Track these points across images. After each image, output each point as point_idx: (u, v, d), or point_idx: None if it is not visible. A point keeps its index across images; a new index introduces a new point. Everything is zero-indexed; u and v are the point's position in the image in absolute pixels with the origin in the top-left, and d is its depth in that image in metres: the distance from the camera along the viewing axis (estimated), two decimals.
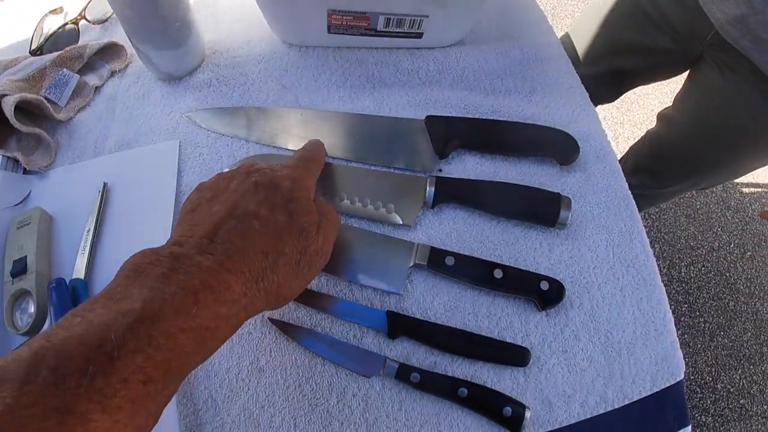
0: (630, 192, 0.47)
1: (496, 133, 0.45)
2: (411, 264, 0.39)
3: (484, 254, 0.41)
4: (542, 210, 0.41)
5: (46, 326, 0.41)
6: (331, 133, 0.46)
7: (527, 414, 0.35)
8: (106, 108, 0.54)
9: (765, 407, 1.37)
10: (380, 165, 0.45)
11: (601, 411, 0.38)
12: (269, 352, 0.38)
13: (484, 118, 0.47)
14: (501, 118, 0.47)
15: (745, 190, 1.60)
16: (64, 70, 0.54)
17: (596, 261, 0.42)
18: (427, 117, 0.46)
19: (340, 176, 0.44)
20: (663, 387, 0.39)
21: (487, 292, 0.40)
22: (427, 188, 0.41)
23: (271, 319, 0.39)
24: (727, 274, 1.47)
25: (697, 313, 1.42)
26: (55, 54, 0.55)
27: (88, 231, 0.45)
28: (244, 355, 0.38)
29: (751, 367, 1.40)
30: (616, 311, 0.41)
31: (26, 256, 0.43)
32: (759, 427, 1.34)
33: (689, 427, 0.40)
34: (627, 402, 0.38)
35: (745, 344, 1.41)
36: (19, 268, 0.42)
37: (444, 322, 0.39)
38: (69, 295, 0.40)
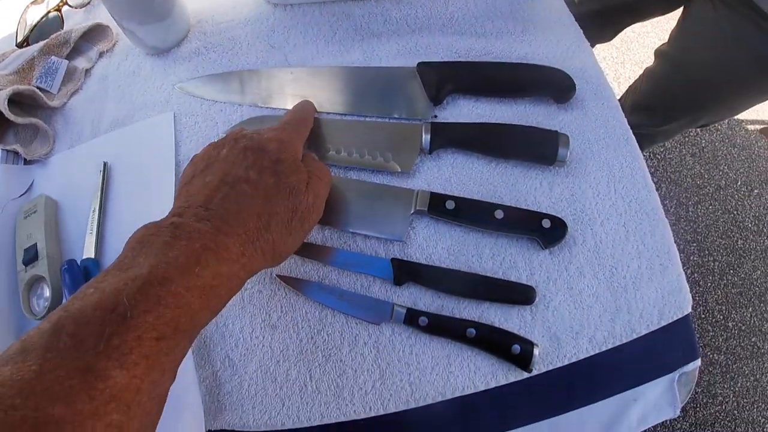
0: (629, 127, 0.46)
1: (489, 75, 0.44)
2: (412, 211, 0.39)
3: (484, 196, 0.41)
4: (540, 149, 0.41)
5: None
6: (323, 88, 0.46)
7: (536, 351, 0.36)
8: (98, 89, 0.54)
9: None
10: (375, 116, 0.45)
11: (610, 346, 0.38)
12: (280, 308, 0.39)
13: (476, 60, 0.46)
14: (493, 60, 0.46)
15: (750, 127, 1.57)
16: (53, 57, 0.54)
17: (598, 197, 0.42)
18: (419, 64, 0.45)
19: (337, 130, 0.44)
20: (671, 321, 0.39)
21: (490, 234, 0.40)
22: (423, 135, 0.41)
23: (279, 276, 0.40)
24: (735, 212, 1.46)
25: (706, 252, 1.42)
26: (42, 43, 0.55)
27: (94, 211, 0.46)
28: (257, 314, 0.39)
29: (762, 305, 1.41)
30: (620, 247, 0.41)
31: (36, 244, 0.44)
32: None
33: (698, 361, 0.40)
34: (635, 336, 0.39)
35: (755, 282, 1.42)
36: (30, 256, 0.43)
37: (448, 266, 0.39)
38: (81, 274, 0.42)
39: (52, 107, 0.53)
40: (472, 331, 0.36)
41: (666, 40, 0.76)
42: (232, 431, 0.37)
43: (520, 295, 0.38)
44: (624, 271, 0.40)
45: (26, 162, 0.51)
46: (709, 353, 1.36)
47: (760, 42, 0.59)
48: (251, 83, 0.48)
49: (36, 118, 0.51)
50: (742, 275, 1.42)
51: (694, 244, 1.42)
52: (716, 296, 1.40)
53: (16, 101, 0.51)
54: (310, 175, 0.34)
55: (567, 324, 0.39)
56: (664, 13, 0.76)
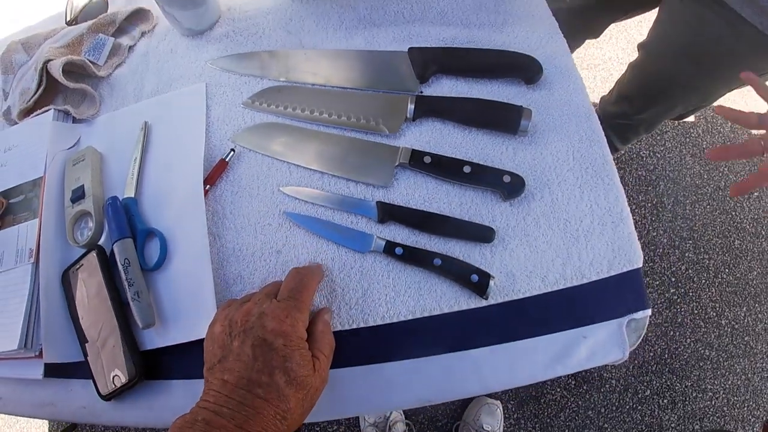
0: (592, 106, 0.53)
1: (469, 59, 0.52)
2: (396, 163, 0.48)
3: (457, 156, 0.49)
4: (505, 119, 0.49)
5: (102, 239, 0.51)
6: (330, 66, 0.55)
7: (492, 282, 0.43)
8: (140, 63, 0.63)
9: None
10: (371, 89, 0.54)
11: (561, 287, 0.45)
12: (285, 238, 0.48)
13: (457, 47, 0.54)
14: (474, 47, 0.54)
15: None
16: (100, 35, 0.64)
17: (557, 162, 0.49)
18: (410, 48, 0.53)
19: (340, 99, 0.53)
20: (620, 272, 0.45)
21: (459, 186, 0.48)
22: (409, 105, 0.50)
23: (287, 213, 0.49)
24: (733, 213, 1.48)
25: (702, 250, 1.45)
26: (90, 22, 0.64)
27: (135, 160, 0.54)
28: (266, 241, 0.48)
29: (757, 305, 1.42)
30: (575, 204, 0.47)
31: (83, 185, 0.52)
32: (763, 365, 1.38)
33: (648, 311, 0.45)
34: (585, 281, 0.45)
35: (750, 283, 1.43)
36: (78, 195, 0.52)
37: (423, 210, 0.47)
38: (122, 209, 0.50)
39: (99, 77, 0.62)
40: (438, 261, 0.44)
41: None
42: None
43: (480, 233, 0.45)
44: (577, 225, 0.47)
45: (75, 121, 0.60)
46: (700, 348, 1.37)
47: (723, 31, 0.63)
48: (271, 61, 0.57)
49: (85, 84, 0.61)
50: (738, 275, 1.44)
51: (690, 242, 1.45)
52: (710, 293, 1.42)
53: (67, 70, 0.60)
54: (316, 355, 0.38)
55: (522, 264, 0.46)
56: (646, 10, 0.83)
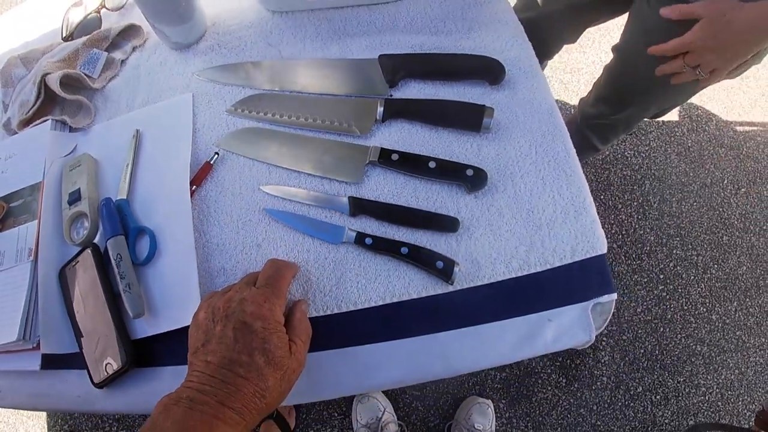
0: (555, 105, 0.55)
1: (435, 64, 0.56)
2: (367, 161, 0.51)
3: (424, 154, 0.52)
4: (468, 118, 0.52)
5: (97, 237, 0.54)
6: (306, 74, 0.59)
7: (456, 268, 0.47)
8: (132, 76, 0.67)
9: (763, 340, 1.40)
10: (344, 94, 0.57)
11: (524, 273, 0.48)
12: (264, 233, 0.52)
13: (425, 53, 0.58)
14: (440, 52, 0.58)
15: (739, 128, 1.61)
16: (94, 49, 0.68)
17: (519, 157, 0.52)
18: (380, 56, 0.57)
19: (315, 103, 0.57)
20: (584, 258, 0.48)
21: (426, 180, 0.52)
22: (378, 108, 0.54)
23: (266, 210, 0.52)
24: (720, 209, 1.50)
25: (690, 246, 1.47)
26: (85, 38, 0.68)
27: (127, 165, 0.58)
28: (247, 236, 0.52)
29: (747, 300, 1.43)
30: (537, 195, 0.50)
31: (79, 188, 0.56)
32: (756, 359, 1.39)
33: (614, 295, 0.48)
34: (549, 267, 0.48)
35: (740, 278, 1.45)
36: (75, 197, 0.56)
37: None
38: (115, 209, 0.54)
39: (94, 89, 0.66)
40: (405, 250, 0.47)
41: None
42: None
43: (445, 224, 0.49)
44: (540, 214, 0.50)
45: (71, 130, 0.64)
46: (691, 344, 1.39)
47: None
48: (253, 71, 0.61)
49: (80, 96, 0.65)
50: (727, 270, 1.45)
51: (677, 239, 1.47)
52: (700, 289, 1.43)
53: (64, 82, 0.63)
54: (293, 340, 0.41)
55: (486, 252, 0.49)
56: (618, 14, 0.86)
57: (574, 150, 0.53)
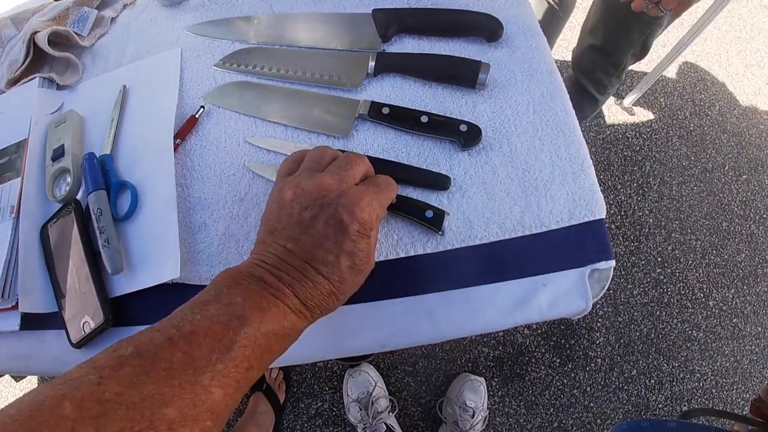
0: (555, 64, 0.53)
1: (430, 19, 0.54)
2: (356, 115, 0.50)
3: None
4: (463, 73, 0.50)
5: (80, 194, 0.53)
6: (297, 29, 0.57)
7: (446, 218, 0.45)
8: (121, 33, 0.65)
9: (759, 328, 1.40)
10: (337, 49, 0.55)
11: (519, 234, 0.46)
12: (248, 186, 0.50)
13: (420, 7, 0.56)
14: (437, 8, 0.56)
15: (742, 115, 1.60)
16: (85, 7, 0.67)
17: (516, 116, 0.50)
18: (373, 10, 0.55)
19: (308, 57, 0.55)
20: (581, 221, 0.46)
21: (417, 136, 0.50)
22: (370, 62, 0.52)
23: (250, 165, 0.51)
24: (721, 195, 1.49)
25: (689, 231, 1.45)
26: None
27: (113, 120, 0.56)
28: (229, 190, 0.50)
29: (745, 287, 1.42)
30: (534, 155, 0.48)
31: (63, 144, 0.55)
32: (752, 347, 1.38)
33: (612, 262, 0.45)
34: (544, 229, 0.46)
35: (739, 265, 1.44)
36: (58, 153, 0.54)
37: None
38: (98, 165, 0.52)
39: (83, 46, 0.65)
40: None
41: None
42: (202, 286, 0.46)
43: (436, 181, 0.47)
44: (536, 175, 0.47)
45: (59, 87, 0.63)
46: (687, 329, 1.38)
47: None
48: (243, 26, 0.59)
49: (69, 53, 0.63)
50: (726, 256, 1.44)
51: (677, 222, 1.45)
52: (697, 274, 1.42)
53: (53, 40, 0.62)
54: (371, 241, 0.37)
55: (479, 211, 0.47)
56: None
57: (574, 112, 0.51)
